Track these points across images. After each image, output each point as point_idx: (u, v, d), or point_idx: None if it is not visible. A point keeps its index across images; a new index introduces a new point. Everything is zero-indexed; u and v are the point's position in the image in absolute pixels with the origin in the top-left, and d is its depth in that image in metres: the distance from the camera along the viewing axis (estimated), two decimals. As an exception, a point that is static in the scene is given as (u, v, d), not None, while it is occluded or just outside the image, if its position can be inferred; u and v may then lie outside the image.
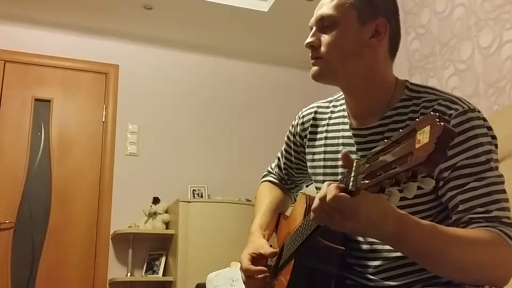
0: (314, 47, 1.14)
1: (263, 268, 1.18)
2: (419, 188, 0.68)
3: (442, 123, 0.62)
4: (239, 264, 1.24)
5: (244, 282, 1.22)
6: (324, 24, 1.13)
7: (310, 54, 1.16)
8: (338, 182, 0.85)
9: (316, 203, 0.86)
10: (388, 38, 1.13)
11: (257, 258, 1.20)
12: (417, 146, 0.63)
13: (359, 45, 1.11)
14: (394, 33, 1.14)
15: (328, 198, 0.82)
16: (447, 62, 2.98)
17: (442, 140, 0.61)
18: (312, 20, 1.17)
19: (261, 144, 4.32)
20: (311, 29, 1.17)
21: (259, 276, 1.17)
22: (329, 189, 0.83)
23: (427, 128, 0.63)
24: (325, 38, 1.13)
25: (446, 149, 0.62)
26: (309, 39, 1.15)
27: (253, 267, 1.18)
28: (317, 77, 1.15)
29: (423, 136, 0.63)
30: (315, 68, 1.15)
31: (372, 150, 0.75)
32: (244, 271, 1.19)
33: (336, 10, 1.12)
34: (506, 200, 0.98)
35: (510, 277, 0.93)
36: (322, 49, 1.13)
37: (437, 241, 0.89)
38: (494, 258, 0.92)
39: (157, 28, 4.17)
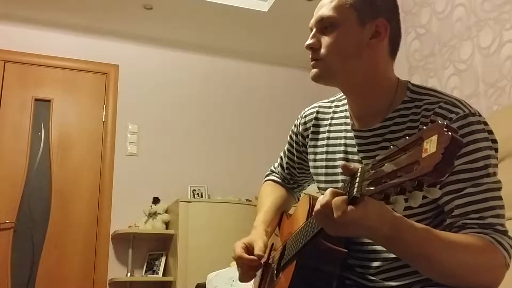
0: (314, 48, 1.14)
1: (254, 258, 1.18)
2: (424, 197, 0.68)
3: (450, 133, 0.61)
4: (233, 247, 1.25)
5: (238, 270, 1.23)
6: (324, 25, 1.13)
7: (310, 56, 1.15)
8: (342, 189, 0.84)
9: (317, 208, 0.86)
10: (388, 39, 1.12)
11: (250, 250, 1.21)
12: (423, 155, 0.63)
13: (359, 46, 1.10)
14: (394, 33, 1.14)
15: (336, 214, 0.81)
16: (447, 62, 2.98)
17: (450, 150, 0.60)
18: (312, 21, 1.16)
19: (261, 144, 4.33)
20: (311, 30, 1.17)
21: (252, 264, 1.18)
22: (335, 204, 0.82)
23: (435, 137, 0.62)
24: (325, 39, 1.12)
25: (454, 159, 0.61)
26: (309, 41, 1.15)
27: (246, 256, 1.19)
28: (317, 79, 1.15)
29: (430, 145, 0.62)
30: (315, 70, 1.15)
31: (377, 157, 0.75)
32: (237, 258, 1.21)
33: (336, 11, 1.11)
34: (502, 207, 0.98)
35: (498, 283, 0.93)
36: (322, 51, 1.12)
37: (429, 245, 0.90)
38: (485, 264, 0.92)
39: (157, 28, 4.17)
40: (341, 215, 0.81)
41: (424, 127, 0.66)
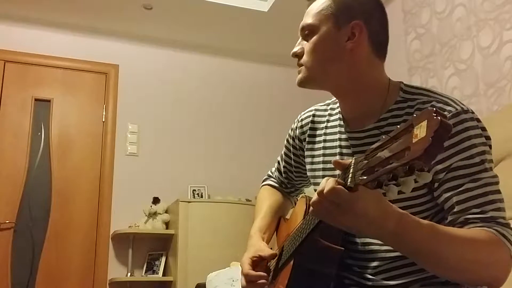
0: (298, 56, 1.18)
1: (263, 273, 1.18)
2: (416, 183, 0.68)
3: (439, 117, 0.62)
4: (240, 265, 1.24)
5: (243, 287, 1.22)
6: (305, 32, 1.17)
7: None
8: (337, 178, 0.85)
9: (314, 197, 0.86)
10: (367, 39, 1.12)
11: (257, 261, 1.21)
12: (414, 140, 0.64)
13: (336, 50, 1.12)
14: (376, 34, 1.14)
15: (325, 190, 0.82)
16: (447, 62, 2.98)
17: (439, 134, 0.61)
18: (299, 29, 1.20)
19: (261, 144, 4.32)
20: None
21: (259, 281, 1.17)
22: (327, 183, 0.83)
23: (424, 123, 0.63)
24: (306, 46, 1.17)
25: (443, 142, 0.62)
26: (294, 49, 1.19)
27: (253, 272, 1.19)
28: (301, 84, 1.19)
29: (420, 131, 0.63)
30: (299, 76, 1.19)
31: (370, 147, 0.76)
32: (244, 275, 1.20)
33: (314, 19, 1.15)
34: (501, 201, 0.99)
35: (505, 277, 0.93)
36: (304, 57, 1.17)
37: (436, 241, 0.89)
38: (491, 258, 0.93)
39: (157, 28, 4.17)
40: (329, 190, 0.81)
41: (414, 115, 0.67)
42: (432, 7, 3.17)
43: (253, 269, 1.19)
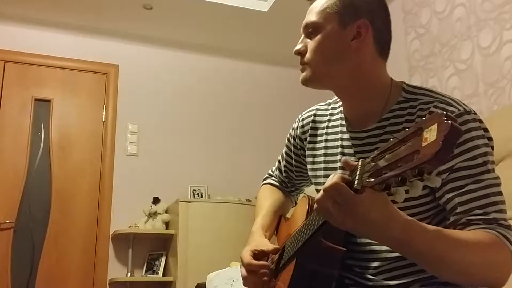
0: (301, 54, 1.17)
1: (265, 263, 1.18)
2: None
3: (449, 122, 0.62)
4: (240, 262, 1.24)
5: (244, 278, 1.22)
6: (308, 30, 1.16)
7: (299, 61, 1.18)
8: (343, 175, 0.84)
9: (320, 193, 0.85)
10: (372, 38, 1.12)
11: (258, 255, 1.21)
12: (423, 144, 0.64)
13: (341, 49, 1.12)
14: (380, 33, 1.14)
15: (328, 185, 0.81)
16: (447, 62, 2.99)
17: (449, 138, 0.61)
18: (301, 26, 1.19)
19: (261, 144, 4.33)
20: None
21: (261, 271, 1.17)
22: (332, 178, 0.82)
23: (434, 127, 0.63)
24: (310, 44, 1.15)
25: (453, 146, 0.62)
26: (296, 47, 1.18)
27: (255, 262, 1.18)
28: (305, 82, 1.18)
29: (430, 134, 0.63)
30: (302, 74, 1.18)
31: (378, 149, 0.75)
32: (246, 265, 1.20)
33: (318, 16, 1.14)
34: (503, 202, 0.99)
35: (507, 279, 0.94)
36: (307, 55, 1.15)
37: (441, 246, 0.89)
38: (494, 260, 0.93)
39: (157, 28, 4.17)
40: (331, 185, 0.80)
41: (423, 118, 0.67)
42: (432, 7, 3.17)
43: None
